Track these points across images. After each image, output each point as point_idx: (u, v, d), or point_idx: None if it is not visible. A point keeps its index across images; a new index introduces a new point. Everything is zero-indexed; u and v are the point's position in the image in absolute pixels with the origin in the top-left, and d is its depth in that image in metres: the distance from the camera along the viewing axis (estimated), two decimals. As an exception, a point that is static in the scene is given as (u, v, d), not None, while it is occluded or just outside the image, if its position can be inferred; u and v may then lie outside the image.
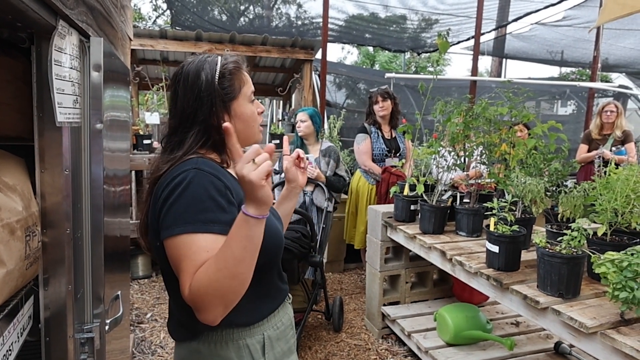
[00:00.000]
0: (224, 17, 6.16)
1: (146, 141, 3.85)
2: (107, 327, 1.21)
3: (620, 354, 1.29)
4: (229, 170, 0.95)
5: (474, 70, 4.80)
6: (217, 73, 0.93)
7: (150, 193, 0.91)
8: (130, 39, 1.85)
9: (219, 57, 0.96)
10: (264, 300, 0.97)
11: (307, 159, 2.96)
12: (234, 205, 0.86)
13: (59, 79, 0.94)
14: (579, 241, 1.54)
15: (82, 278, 1.14)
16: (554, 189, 2.08)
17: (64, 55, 0.96)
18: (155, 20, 12.61)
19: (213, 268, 0.76)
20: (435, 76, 2.72)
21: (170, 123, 0.96)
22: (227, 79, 0.93)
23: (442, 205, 2.43)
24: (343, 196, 3.67)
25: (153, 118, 4.05)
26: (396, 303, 2.91)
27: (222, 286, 0.75)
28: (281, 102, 6.31)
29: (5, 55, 1.06)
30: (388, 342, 2.79)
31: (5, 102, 1.05)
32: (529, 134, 2.99)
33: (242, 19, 6.50)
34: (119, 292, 1.43)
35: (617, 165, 1.87)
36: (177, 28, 5.56)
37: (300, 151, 1.09)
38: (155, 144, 4.31)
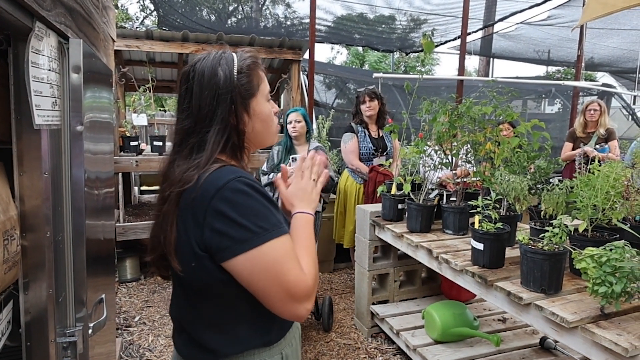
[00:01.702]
0: (213, 18, 6.14)
1: (133, 143, 3.82)
2: (90, 331, 1.20)
3: (599, 347, 1.32)
4: None
5: (461, 70, 4.84)
6: (236, 68, 0.87)
7: (177, 205, 0.83)
8: (114, 40, 1.84)
9: (235, 54, 0.91)
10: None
11: (295, 159, 2.97)
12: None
13: (36, 81, 0.93)
14: (560, 237, 1.57)
15: (63, 282, 1.13)
16: (538, 186, 2.11)
17: (41, 57, 0.96)
18: (142, 21, 12.50)
19: (309, 256, 0.86)
20: (421, 76, 2.74)
21: (184, 124, 0.88)
22: (245, 75, 0.88)
23: (428, 204, 2.45)
24: (331, 196, 3.67)
25: (140, 119, 4.02)
26: (385, 302, 2.92)
27: (318, 271, 0.88)
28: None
29: (-18, 58, 1.05)
30: (377, 341, 2.80)
31: (-18, 104, 1.04)
32: (514, 133, 3.02)
33: (230, 19, 6.48)
34: (102, 296, 1.42)
35: (600, 162, 1.90)
36: (164, 28, 5.53)
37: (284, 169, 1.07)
38: (143, 146, 4.28)
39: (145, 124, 4.12)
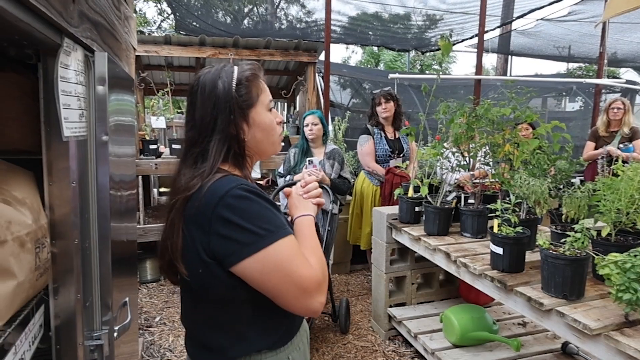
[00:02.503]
0: (228, 20, 6.20)
1: (152, 146, 3.89)
2: (115, 334, 1.24)
3: (624, 355, 1.30)
4: None
5: (479, 69, 4.78)
6: (234, 81, 0.91)
7: (182, 212, 0.86)
8: (135, 49, 1.89)
9: (235, 67, 0.95)
10: (290, 319, 0.96)
11: (312, 162, 2.99)
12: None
13: (65, 95, 0.97)
14: (583, 242, 1.54)
15: (90, 286, 1.17)
16: (559, 189, 2.07)
17: (69, 71, 0.99)
18: (160, 25, 12.72)
19: (315, 253, 0.90)
20: (438, 77, 2.72)
21: (189, 135, 0.93)
22: (244, 86, 0.92)
23: (446, 206, 2.43)
24: (348, 198, 3.68)
25: (159, 122, 4.10)
26: (402, 304, 2.91)
27: (325, 266, 0.90)
28: (285, 104, 6.34)
29: (13, 72, 1.09)
30: (395, 344, 2.80)
31: (15, 117, 1.09)
32: (533, 134, 2.98)
33: (245, 20, 6.53)
34: (127, 299, 1.46)
35: (624, 162, 1.85)
36: (181, 33, 5.62)
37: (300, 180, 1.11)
38: (162, 149, 4.36)
39: (164, 126, 4.20)
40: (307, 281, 0.82)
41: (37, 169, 1.07)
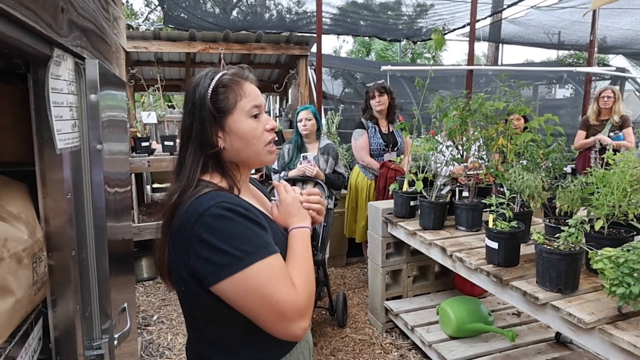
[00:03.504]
0: (217, 10, 6.11)
1: (144, 143, 3.85)
2: (115, 342, 1.24)
3: (617, 348, 1.32)
4: (240, 197, 0.91)
5: (470, 59, 4.78)
6: (211, 87, 0.90)
7: (167, 228, 0.86)
8: (125, 49, 1.85)
9: (219, 72, 0.93)
10: None
11: (306, 157, 2.98)
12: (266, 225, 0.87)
13: (57, 106, 0.95)
14: (577, 237, 1.56)
15: (89, 296, 1.16)
16: (552, 182, 2.09)
17: (60, 81, 0.97)
18: (147, 17, 12.49)
19: (303, 273, 0.86)
20: (431, 69, 2.71)
21: (178, 142, 0.96)
22: (220, 92, 0.90)
23: (441, 200, 2.45)
24: (343, 192, 3.68)
25: (151, 118, 4.05)
26: (399, 297, 2.94)
27: (314, 287, 0.86)
28: (278, 98, 6.30)
29: (2, 82, 1.07)
30: (392, 336, 2.83)
31: (5, 128, 1.06)
32: (526, 126, 2.99)
33: (235, 11, 6.44)
34: (125, 304, 1.46)
35: (615, 151, 1.87)
36: (170, 26, 5.53)
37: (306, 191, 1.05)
38: (154, 145, 4.32)
39: (155, 121, 4.16)
40: (285, 307, 0.78)
41: (31, 180, 1.06)
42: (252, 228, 0.82)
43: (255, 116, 0.93)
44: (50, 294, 1.05)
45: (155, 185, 5.76)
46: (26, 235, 0.91)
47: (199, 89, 0.91)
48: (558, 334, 2.39)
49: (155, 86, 3.84)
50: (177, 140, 0.99)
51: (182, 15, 5.51)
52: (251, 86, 0.95)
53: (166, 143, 3.95)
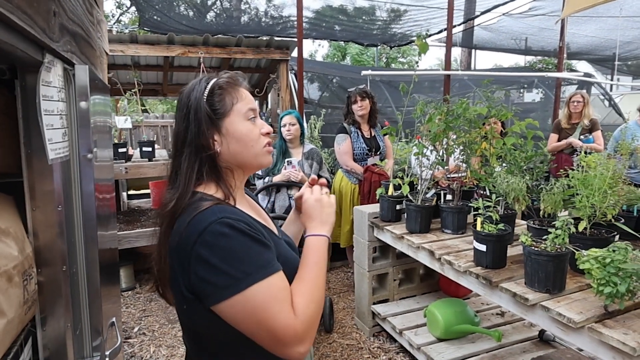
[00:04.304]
0: (191, 13, 6.00)
1: (121, 149, 3.74)
2: (107, 359, 1.19)
3: (606, 346, 1.37)
4: (236, 207, 0.89)
5: (447, 64, 4.87)
6: (207, 90, 0.89)
7: (167, 239, 0.84)
8: (107, 54, 1.79)
9: (215, 77, 0.93)
10: None
11: (291, 162, 2.96)
12: (267, 239, 0.85)
13: (48, 115, 0.91)
14: (563, 239, 1.61)
15: (79, 313, 1.11)
16: (534, 185, 2.16)
17: (51, 88, 0.93)
18: (119, 19, 12.18)
19: (308, 294, 0.82)
20: (415, 74, 2.74)
21: (171, 151, 0.93)
22: (216, 95, 0.90)
23: (427, 204, 2.48)
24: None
25: (127, 123, 3.94)
26: (385, 301, 2.96)
27: (320, 306, 0.83)
28: (257, 102, 6.25)
29: (-16, 88, 1.01)
30: (379, 340, 2.84)
31: (-11, 137, 1.00)
32: (503, 129, 3.07)
33: (209, 14, 6.34)
34: (114, 319, 1.40)
35: (586, 153, 1.97)
36: (145, 29, 5.40)
37: (314, 178, 1.05)
38: (131, 151, 4.19)
39: (130, 126, 4.05)
40: (282, 331, 0.76)
41: (17, 192, 1.00)
42: (252, 246, 0.79)
43: (251, 120, 0.93)
44: (39, 312, 0.99)
45: (132, 192, 5.59)
46: (16, 251, 0.86)
47: (194, 93, 0.90)
48: (541, 333, 2.45)
49: (133, 90, 3.74)
50: (170, 147, 0.95)
51: (156, 17, 5.38)
52: (245, 91, 0.96)
53: (144, 149, 3.85)
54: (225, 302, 0.76)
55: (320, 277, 0.87)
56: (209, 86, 0.90)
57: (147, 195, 5.40)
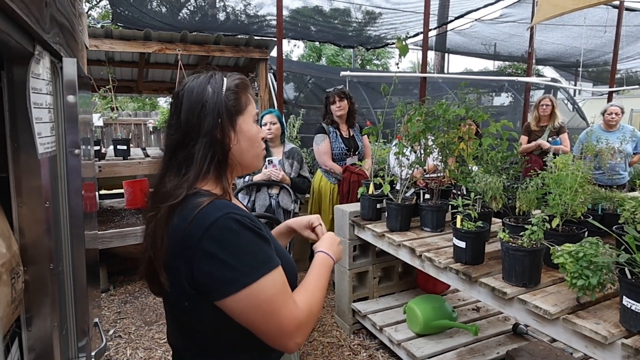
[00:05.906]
0: (164, 10, 5.87)
1: (95, 147, 3.63)
2: (93, 360, 1.16)
3: (579, 335, 1.45)
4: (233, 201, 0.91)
5: (424, 67, 4.99)
6: (224, 86, 0.91)
7: (167, 220, 0.83)
8: (87, 47, 1.74)
9: (225, 77, 0.95)
10: None
11: (272, 161, 2.95)
12: (267, 234, 0.88)
13: (37, 108, 0.88)
14: (538, 235, 1.69)
15: (65, 312, 1.08)
16: (510, 184, 2.25)
17: (40, 81, 0.90)
18: (89, 12, 11.77)
19: (309, 294, 0.88)
20: (395, 75, 2.80)
21: (173, 138, 0.90)
22: (233, 92, 0.92)
23: (407, 203, 2.53)
24: (306, 196, 3.69)
25: (99, 121, 3.83)
26: (365, 299, 3.00)
27: (320, 305, 0.90)
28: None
29: (-34, 80, 0.96)
30: (359, 337, 2.87)
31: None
32: (478, 130, 3.18)
33: (183, 11, 6.22)
34: (96, 319, 1.36)
35: (554, 154, 2.09)
36: (119, 24, 5.25)
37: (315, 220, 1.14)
38: (104, 150, 4.08)
39: (102, 124, 3.94)
40: (286, 322, 0.80)
41: (1, 188, 0.97)
42: (257, 241, 0.82)
43: (255, 122, 0.98)
44: (24, 312, 0.96)
45: (103, 192, 5.42)
46: (4, 248, 0.83)
47: (210, 86, 0.90)
48: (515, 326, 2.55)
49: (107, 87, 3.63)
50: (173, 137, 0.91)
51: (127, 12, 5.24)
52: (252, 96, 0.99)
53: (119, 147, 3.75)
54: (232, 297, 0.77)
55: (321, 286, 0.94)
56: (225, 83, 0.92)
57: (119, 195, 5.25)
